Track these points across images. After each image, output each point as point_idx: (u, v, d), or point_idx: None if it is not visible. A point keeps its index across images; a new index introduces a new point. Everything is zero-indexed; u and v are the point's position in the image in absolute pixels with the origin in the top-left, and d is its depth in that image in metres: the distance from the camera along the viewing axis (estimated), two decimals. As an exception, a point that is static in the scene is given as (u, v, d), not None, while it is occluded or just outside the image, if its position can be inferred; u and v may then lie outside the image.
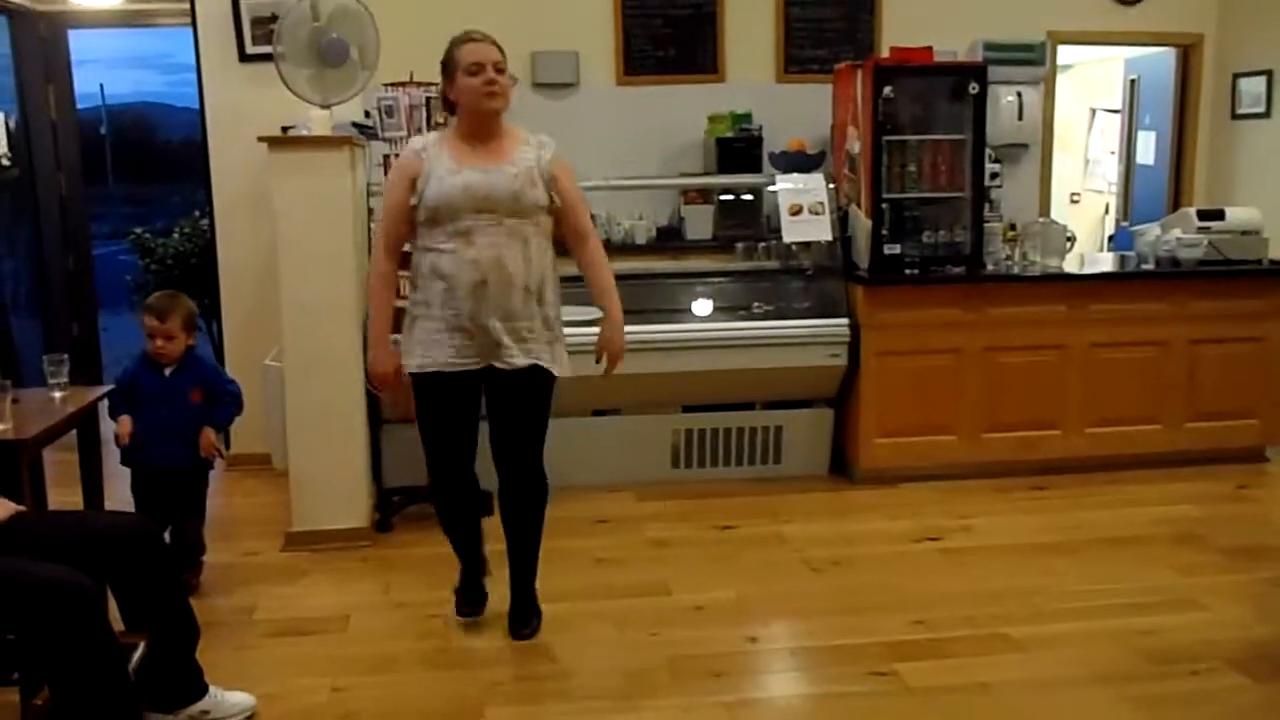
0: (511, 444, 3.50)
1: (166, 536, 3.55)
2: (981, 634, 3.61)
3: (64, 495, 3.91)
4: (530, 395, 3.45)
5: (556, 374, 3.48)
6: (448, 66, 3.39)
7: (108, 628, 2.59)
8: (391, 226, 3.40)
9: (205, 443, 4.02)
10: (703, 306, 5.46)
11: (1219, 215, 5.55)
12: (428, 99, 4.43)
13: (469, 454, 3.56)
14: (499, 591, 3.73)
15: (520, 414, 3.48)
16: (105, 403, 3.94)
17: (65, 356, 3.78)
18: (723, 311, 5.41)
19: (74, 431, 3.76)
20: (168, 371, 3.96)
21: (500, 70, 3.36)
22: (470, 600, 3.74)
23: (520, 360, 3.38)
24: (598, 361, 3.51)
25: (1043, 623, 3.68)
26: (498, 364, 3.38)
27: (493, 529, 3.72)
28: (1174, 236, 5.42)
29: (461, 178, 3.30)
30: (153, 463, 3.99)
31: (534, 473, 3.53)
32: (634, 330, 4.97)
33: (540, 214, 3.39)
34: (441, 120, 4.46)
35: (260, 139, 4.37)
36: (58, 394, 3.69)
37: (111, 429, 3.95)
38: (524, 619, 3.63)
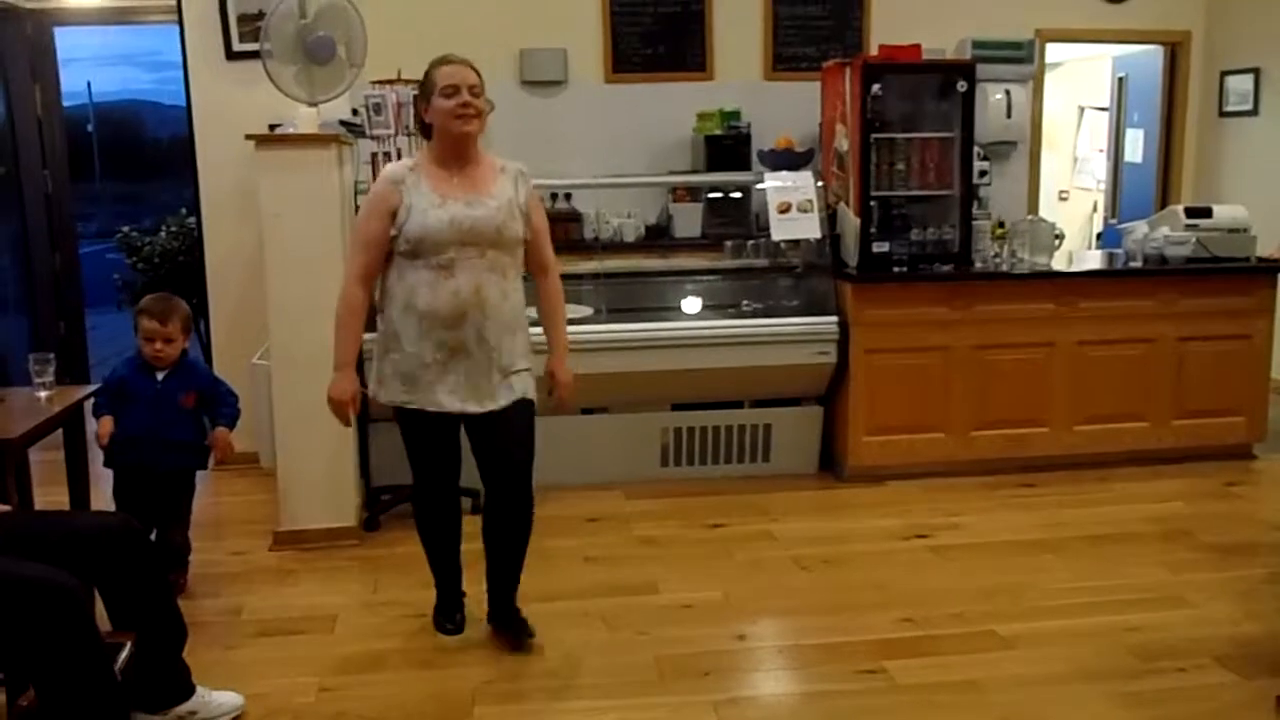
0: (501, 471, 3.44)
1: (151, 538, 3.54)
2: (970, 631, 3.61)
3: (50, 495, 3.90)
4: (515, 426, 3.41)
5: (533, 399, 3.45)
6: (424, 88, 3.34)
7: (93, 627, 2.57)
8: (366, 256, 3.34)
9: (222, 443, 4.00)
10: (692, 304, 5.46)
11: (1206, 213, 5.57)
12: (415, 97, 4.40)
13: (453, 475, 3.58)
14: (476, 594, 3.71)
15: (507, 444, 3.41)
16: (89, 401, 3.91)
17: (51, 356, 3.76)
18: (712, 310, 5.42)
19: (60, 431, 3.74)
20: (160, 375, 3.92)
21: (476, 94, 3.29)
22: (449, 616, 3.69)
23: (501, 401, 3.36)
24: (550, 394, 3.51)
25: (1031, 620, 3.69)
26: (477, 409, 3.34)
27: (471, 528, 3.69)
28: (1162, 234, 5.43)
29: (446, 211, 3.27)
30: (142, 466, 3.94)
31: (524, 497, 3.45)
32: (623, 328, 5.03)
33: (518, 246, 3.40)
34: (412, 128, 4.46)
35: (247, 137, 4.36)
36: (44, 393, 3.68)
37: (94, 427, 3.93)
38: (518, 631, 3.55)
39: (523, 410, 3.41)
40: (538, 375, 3.50)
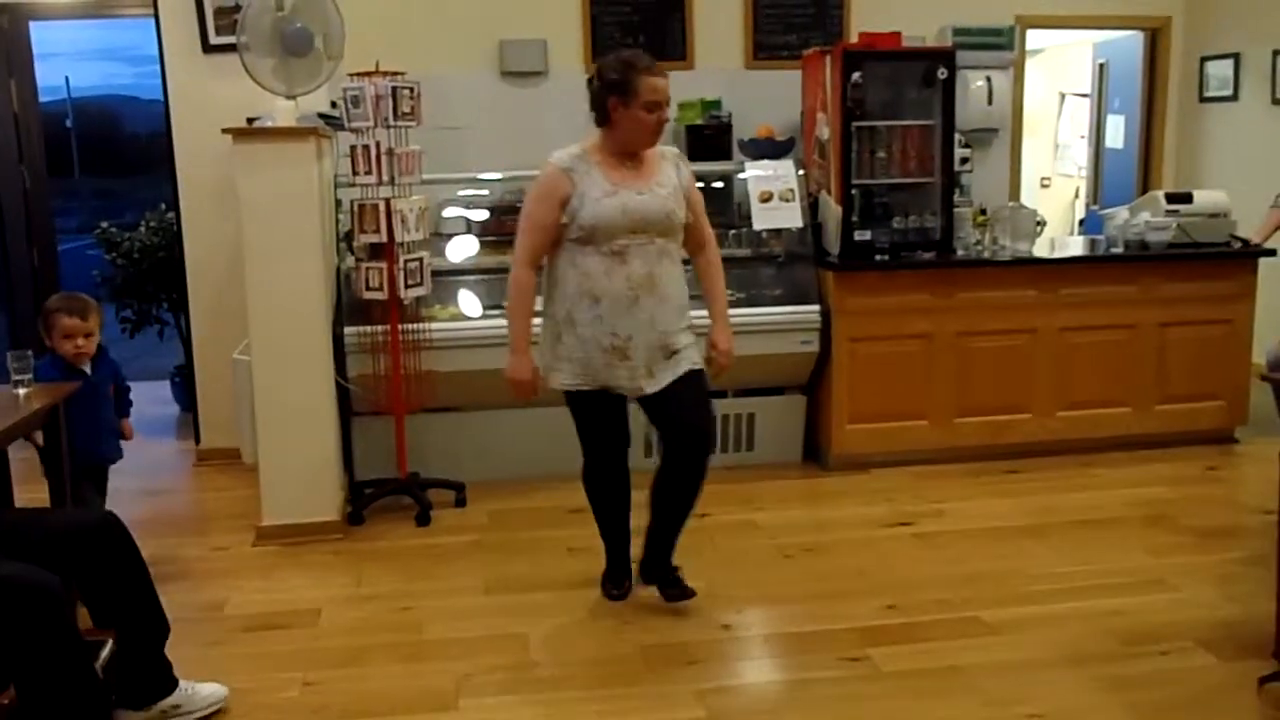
0: (681, 437, 3.55)
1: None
2: (954, 617, 3.62)
3: (30, 493, 3.87)
4: (689, 394, 3.53)
5: (701, 367, 3.59)
6: (622, 89, 3.37)
7: (73, 626, 2.57)
8: (536, 241, 3.46)
9: (130, 430, 4.13)
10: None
11: (1187, 198, 5.58)
12: (394, 89, 4.39)
13: (623, 450, 3.70)
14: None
15: (683, 412, 3.54)
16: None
17: (29, 353, 3.72)
18: (694, 299, 5.40)
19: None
20: (88, 369, 3.93)
21: (668, 105, 3.44)
22: (617, 583, 3.82)
23: (668, 377, 3.49)
24: (708, 363, 3.63)
25: (1015, 605, 3.70)
26: (650, 388, 3.49)
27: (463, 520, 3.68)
28: (1143, 220, 5.44)
29: (618, 199, 3.38)
30: (102, 459, 4.00)
31: (701, 460, 3.55)
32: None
33: (682, 230, 3.53)
34: (407, 108, 4.45)
35: (224, 130, 4.33)
36: (22, 391, 3.64)
37: None
38: (675, 586, 3.70)
39: (694, 379, 3.54)
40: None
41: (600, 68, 3.48)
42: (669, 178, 3.49)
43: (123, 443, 4.14)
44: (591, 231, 3.37)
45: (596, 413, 3.59)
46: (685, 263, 3.64)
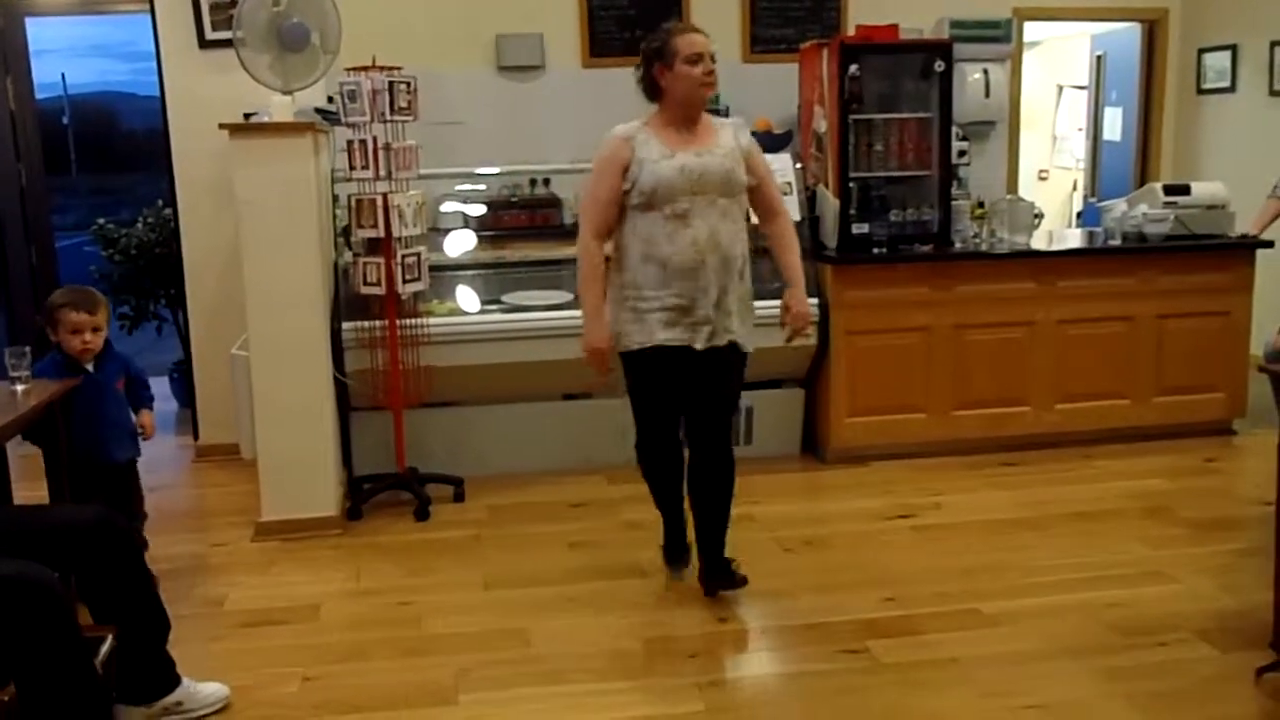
0: (706, 420, 3.65)
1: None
2: (953, 610, 3.63)
3: (29, 490, 3.87)
4: (726, 373, 3.63)
5: (748, 351, 3.66)
6: (663, 53, 3.48)
7: (74, 622, 2.56)
8: (602, 211, 3.53)
9: (150, 425, 3.99)
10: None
11: (1185, 190, 5.58)
12: (390, 84, 4.39)
13: (676, 418, 3.73)
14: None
15: (717, 391, 3.63)
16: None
17: (27, 350, 3.72)
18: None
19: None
20: (91, 366, 3.81)
21: (714, 59, 3.50)
22: (676, 556, 3.91)
23: (723, 338, 3.56)
24: (782, 326, 3.69)
25: (1013, 597, 3.70)
26: (702, 345, 3.53)
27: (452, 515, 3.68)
28: (1140, 212, 5.44)
29: (676, 161, 3.46)
30: (109, 460, 3.86)
31: (724, 449, 3.68)
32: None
33: (743, 193, 3.60)
34: (404, 103, 4.44)
35: (221, 126, 4.32)
36: (20, 387, 3.64)
37: None
38: (730, 580, 3.73)
39: (735, 357, 3.62)
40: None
41: (641, 49, 3.58)
42: (726, 141, 3.56)
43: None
44: (652, 194, 3.45)
45: (657, 376, 3.62)
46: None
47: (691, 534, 3.87)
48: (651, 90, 3.56)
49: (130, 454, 3.97)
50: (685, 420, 3.70)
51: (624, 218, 3.54)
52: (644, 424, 3.76)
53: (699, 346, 3.53)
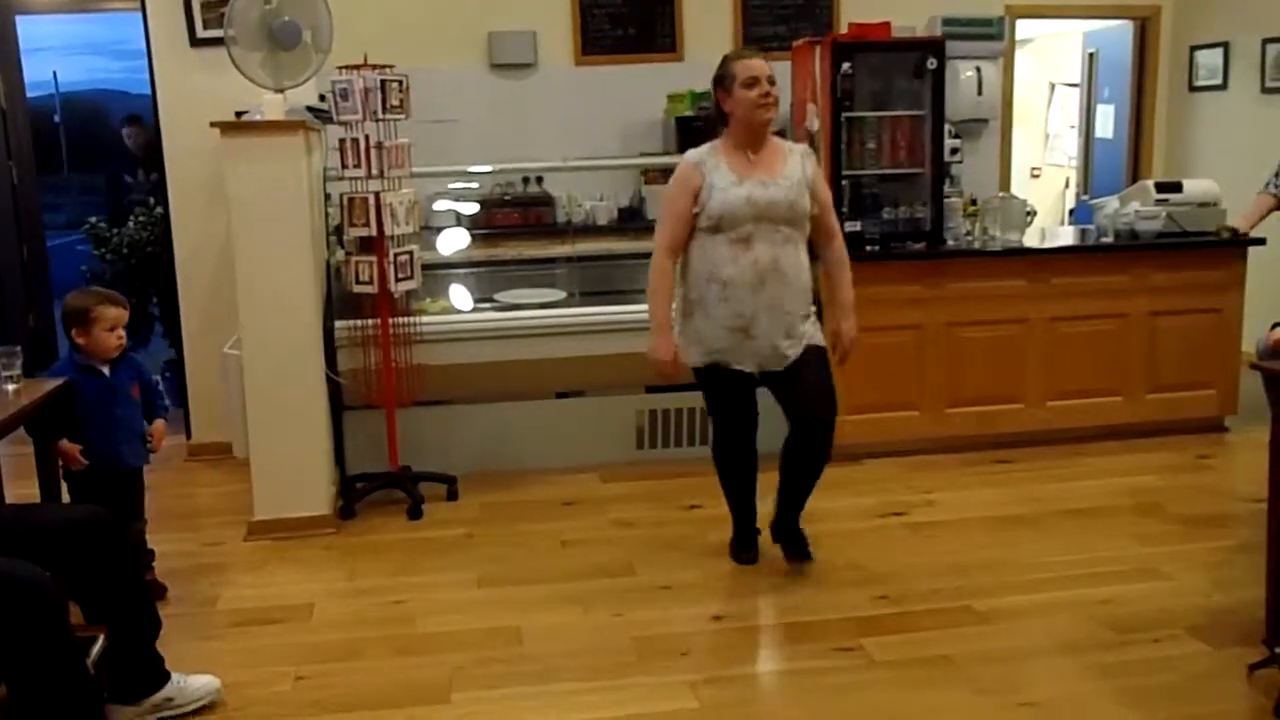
0: (805, 412, 3.76)
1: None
2: (946, 607, 3.63)
3: (20, 490, 3.85)
4: (810, 372, 3.75)
5: (821, 345, 3.81)
6: (724, 81, 3.68)
7: (65, 622, 2.56)
8: (674, 231, 3.71)
9: (160, 434, 3.89)
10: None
11: (1177, 188, 5.58)
12: (382, 82, 4.38)
13: (752, 428, 3.93)
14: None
15: (805, 390, 3.75)
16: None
17: (18, 348, 3.70)
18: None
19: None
20: (106, 370, 3.74)
21: (772, 82, 3.64)
22: (745, 549, 4.06)
23: (791, 355, 3.72)
24: (832, 349, 3.85)
25: (1006, 594, 3.71)
26: (755, 368, 3.73)
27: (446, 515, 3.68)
28: (1133, 209, 5.45)
29: (744, 190, 3.62)
30: (120, 464, 3.78)
31: (825, 433, 3.79)
32: (596, 311, 5.01)
33: (806, 221, 3.75)
34: (396, 101, 4.44)
35: (213, 124, 4.31)
36: (11, 386, 3.63)
37: None
38: (799, 547, 3.98)
39: (816, 357, 3.77)
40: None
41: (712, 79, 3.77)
42: (793, 170, 3.71)
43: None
44: (719, 220, 3.62)
45: (724, 390, 3.85)
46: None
47: (759, 522, 4.07)
48: (720, 115, 3.74)
49: (141, 460, 3.89)
50: (784, 410, 3.80)
51: (694, 237, 3.70)
52: (718, 429, 3.99)
53: (750, 369, 3.72)
